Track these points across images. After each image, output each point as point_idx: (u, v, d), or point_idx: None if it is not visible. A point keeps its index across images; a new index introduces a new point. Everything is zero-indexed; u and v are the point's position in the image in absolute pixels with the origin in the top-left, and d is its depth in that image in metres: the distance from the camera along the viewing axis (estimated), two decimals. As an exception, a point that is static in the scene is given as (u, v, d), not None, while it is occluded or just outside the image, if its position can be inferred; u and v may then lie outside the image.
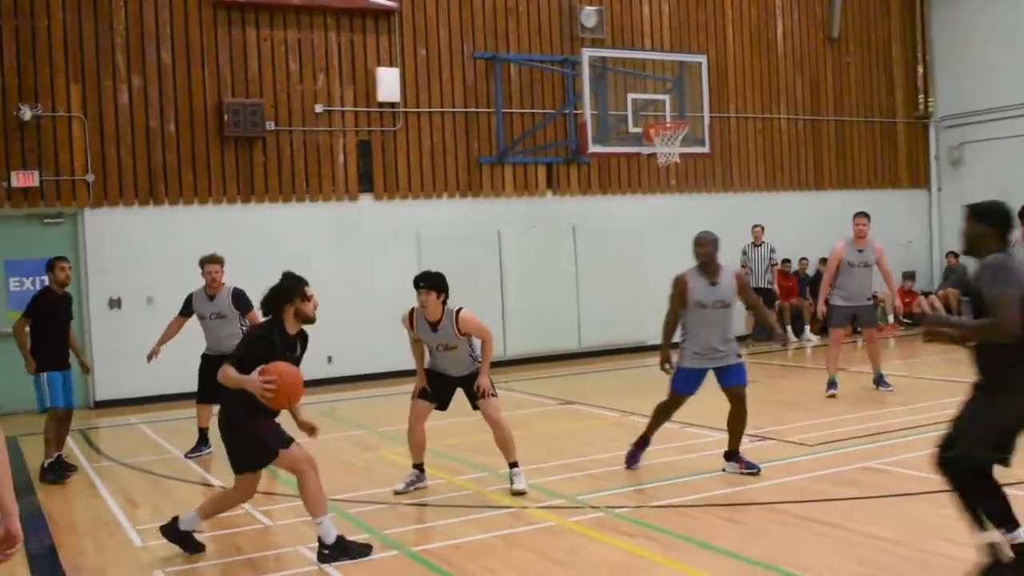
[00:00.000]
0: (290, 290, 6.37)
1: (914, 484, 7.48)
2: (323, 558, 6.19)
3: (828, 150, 19.94)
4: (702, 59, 15.99)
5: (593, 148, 15.02)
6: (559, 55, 16.96)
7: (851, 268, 11.83)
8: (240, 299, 9.82)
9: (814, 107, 19.76)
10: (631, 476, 8.27)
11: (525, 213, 16.74)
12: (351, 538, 6.42)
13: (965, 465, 5.06)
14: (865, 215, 12.09)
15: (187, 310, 10.04)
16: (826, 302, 12.08)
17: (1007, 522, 5.05)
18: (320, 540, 6.25)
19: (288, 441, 6.37)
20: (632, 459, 8.47)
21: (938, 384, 12.40)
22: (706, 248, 8.00)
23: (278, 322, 6.39)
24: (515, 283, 16.46)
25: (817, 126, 19.80)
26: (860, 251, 11.85)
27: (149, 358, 10.06)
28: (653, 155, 15.38)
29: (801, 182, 19.52)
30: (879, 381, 12.10)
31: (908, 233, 20.55)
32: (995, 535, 5.07)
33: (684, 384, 8.13)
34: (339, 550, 6.22)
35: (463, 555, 6.35)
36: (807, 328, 18.20)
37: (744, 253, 17.59)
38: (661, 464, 8.61)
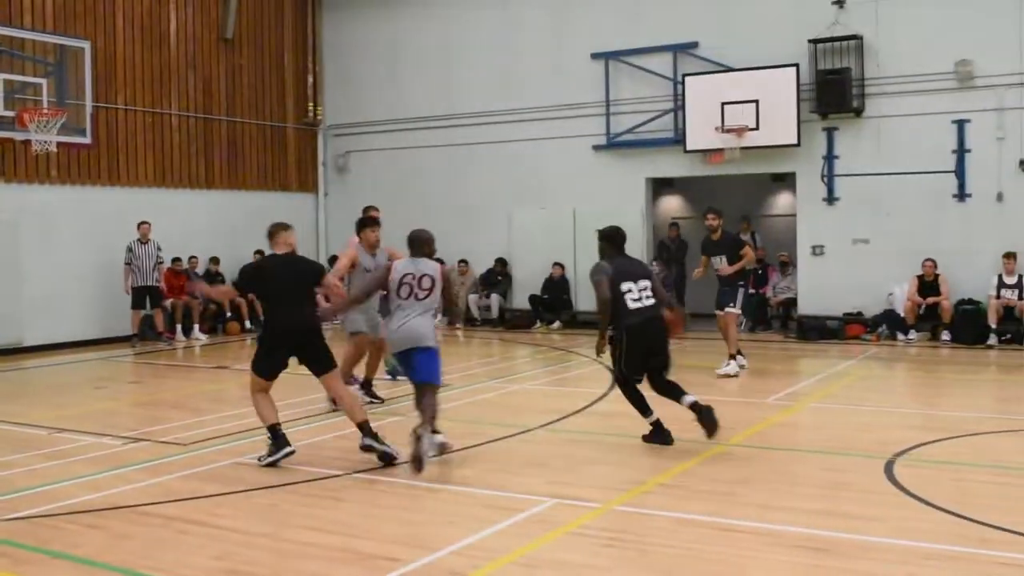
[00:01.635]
0: None
1: (278, 476, 7.77)
2: None
3: (220, 150, 20.05)
4: (85, 45, 15.35)
5: (-44, 130, 13.68)
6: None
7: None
8: None
9: (206, 106, 19.77)
10: (-16, 489, 7.61)
11: None
12: None
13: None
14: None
15: None
16: None
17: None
18: None
19: None
20: None
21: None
22: None
23: None
24: None
25: (209, 125, 19.82)
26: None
27: None
28: (29, 141, 14.40)
29: (192, 180, 19.40)
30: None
31: (298, 236, 21.26)
32: None
33: None
34: None
35: None
36: (196, 327, 18.15)
37: (130, 250, 16.86)
38: (22, 474, 8.06)
